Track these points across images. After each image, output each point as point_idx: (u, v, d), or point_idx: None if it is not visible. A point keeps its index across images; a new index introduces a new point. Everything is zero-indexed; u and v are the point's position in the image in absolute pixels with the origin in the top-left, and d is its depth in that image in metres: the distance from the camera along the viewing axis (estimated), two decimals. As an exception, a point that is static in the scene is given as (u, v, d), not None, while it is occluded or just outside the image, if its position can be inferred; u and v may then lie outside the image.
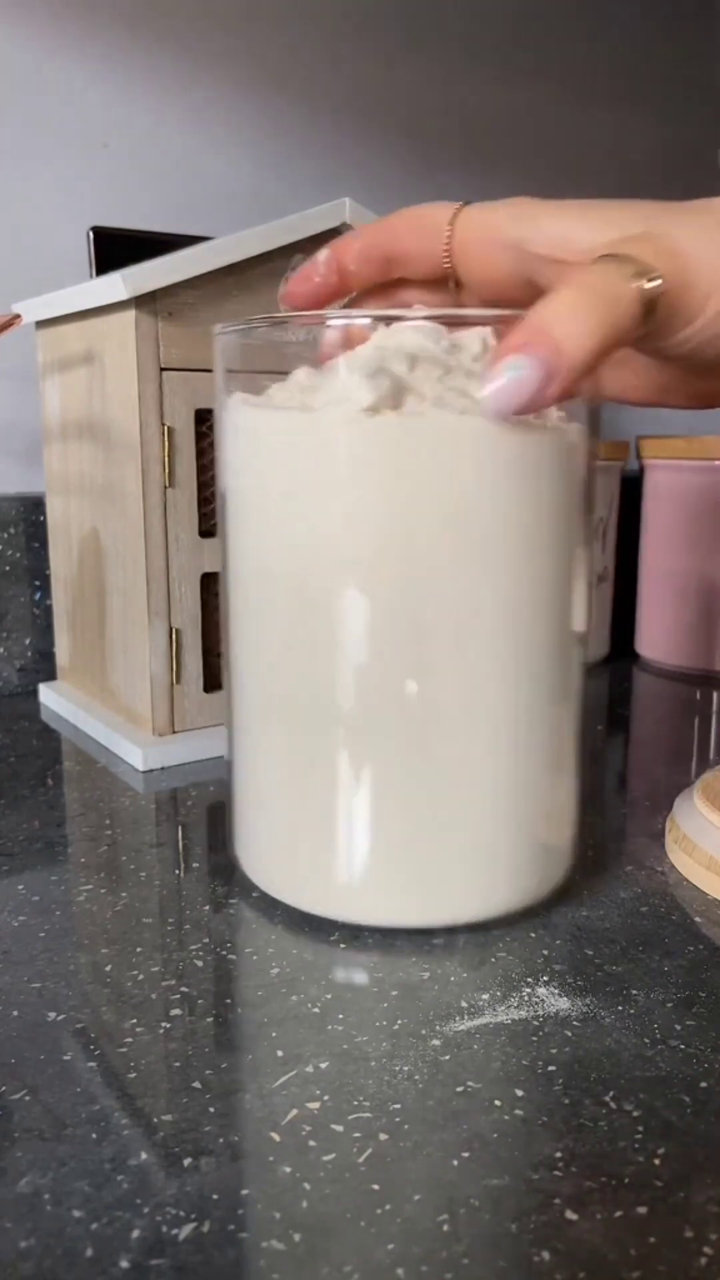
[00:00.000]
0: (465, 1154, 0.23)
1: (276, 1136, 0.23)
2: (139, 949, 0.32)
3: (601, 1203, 0.22)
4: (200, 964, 0.31)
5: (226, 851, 0.37)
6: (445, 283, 0.34)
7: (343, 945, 0.32)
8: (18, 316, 0.46)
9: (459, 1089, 0.25)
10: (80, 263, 0.57)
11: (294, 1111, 0.24)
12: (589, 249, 0.29)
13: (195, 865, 0.38)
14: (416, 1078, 0.26)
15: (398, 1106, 0.24)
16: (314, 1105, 0.24)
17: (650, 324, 0.28)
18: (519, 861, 0.33)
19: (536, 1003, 0.29)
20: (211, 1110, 0.24)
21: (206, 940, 0.32)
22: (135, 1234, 0.21)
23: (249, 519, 0.33)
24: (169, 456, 0.47)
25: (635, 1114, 0.24)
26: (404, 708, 0.30)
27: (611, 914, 0.34)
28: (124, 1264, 0.20)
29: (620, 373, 0.35)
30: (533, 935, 0.33)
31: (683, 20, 0.86)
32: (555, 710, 0.33)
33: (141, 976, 0.30)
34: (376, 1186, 0.22)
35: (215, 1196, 0.22)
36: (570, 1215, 0.21)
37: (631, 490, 0.72)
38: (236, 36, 0.66)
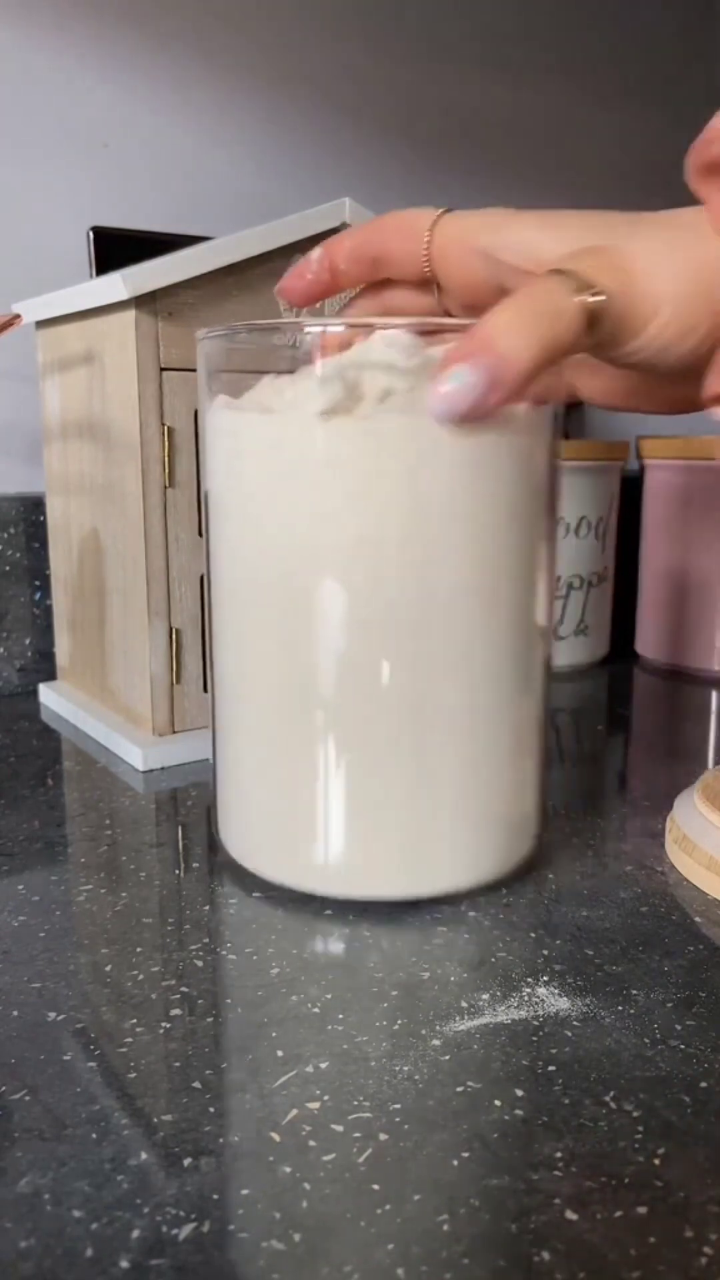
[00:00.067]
0: (465, 1154, 0.23)
1: (276, 1136, 0.23)
2: (139, 949, 0.32)
3: (601, 1203, 0.22)
4: (200, 964, 0.31)
5: (217, 842, 0.37)
6: (430, 285, 0.35)
7: (343, 945, 0.32)
8: (18, 316, 0.46)
9: (459, 1089, 0.25)
10: (80, 263, 0.57)
11: (294, 1111, 0.24)
12: (550, 259, 0.30)
13: (195, 865, 0.38)
14: (416, 1078, 0.26)
15: (398, 1106, 0.24)
16: (314, 1105, 0.24)
17: (595, 335, 0.29)
18: (484, 839, 0.35)
19: (536, 1003, 0.29)
20: (211, 1110, 0.24)
21: (206, 940, 0.32)
22: (135, 1234, 0.21)
23: (228, 518, 0.34)
24: (169, 456, 0.47)
25: (635, 1114, 0.24)
26: (374, 695, 0.32)
27: (611, 914, 0.34)
28: (124, 1264, 0.20)
29: (598, 378, 0.36)
30: (533, 935, 0.33)
31: (688, 19, 0.86)
32: (518, 700, 0.35)
33: (141, 976, 0.30)
34: (376, 1186, 0.22)
35: (215, 1196, 0.22)
36: (570, 1215, 0.21)
37: (631, 490, 0.72)
38: (237, 36, 0.66)
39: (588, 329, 0.28)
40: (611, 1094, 0.25)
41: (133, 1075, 0.26)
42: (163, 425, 0.47)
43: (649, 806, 0.44)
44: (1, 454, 0.62)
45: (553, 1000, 0.29)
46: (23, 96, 0.60)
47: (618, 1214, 0.21)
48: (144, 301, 0.45)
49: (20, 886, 0.36)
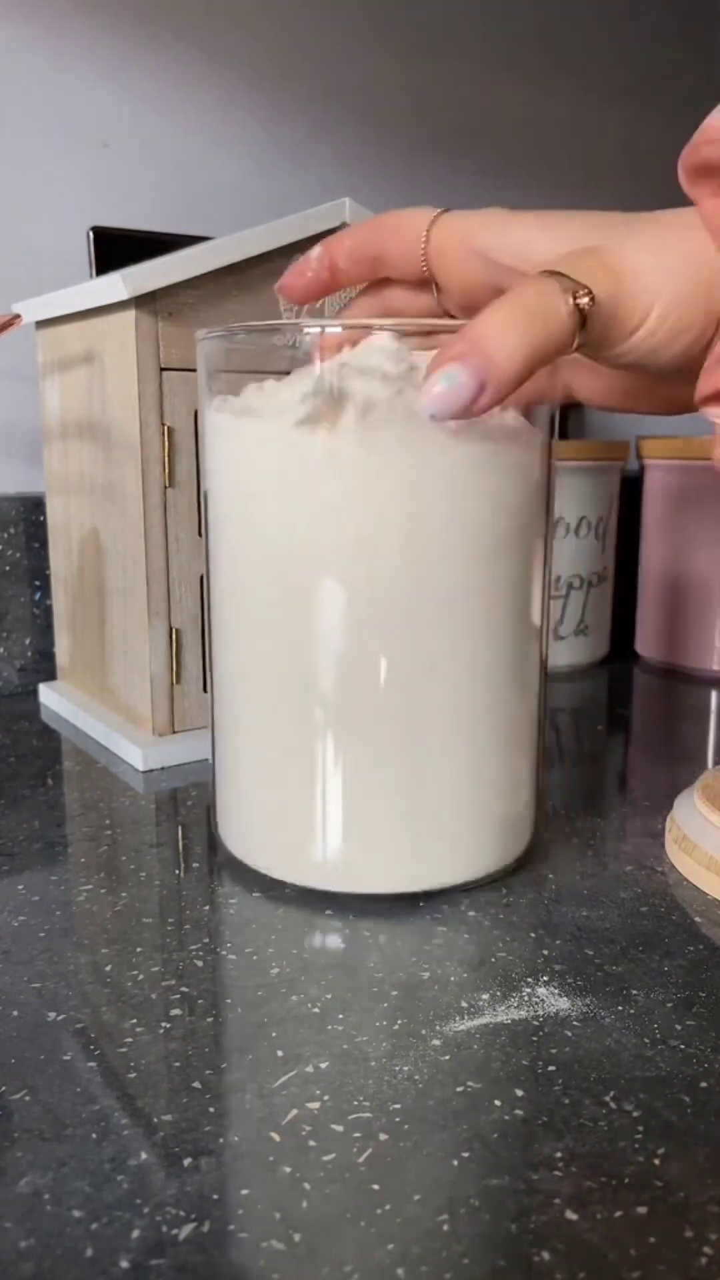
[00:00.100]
0: (465, 1154, 0.23)
1: (276, 1136, 0.23)
2: (139, 949, 0.32)
3: (601, 1203, 0.22)
4: (200, 964, 0.31)
5: (217, 841, 0.37)
6: (428, 284, 0.36)
7: (343, 945, 0.32)
8: (18, 316, 0.46)
9: (459, 1089, 0.25)
10: (80, 263, 0.57)
11: (294, 1111, 0.24)
12: (544, 260, 0.30)
13: (195, 865, 0.38)
14: (416, 1078, 0.26)
15: (398, 1106, 0.24)
16: (314, 1105, 0.24)
17: (586, 337, 0.29)
18: (478, 835, 0.35)
19: (536, 1003, 0.29)
20: (211, 1110, 0.24)
21: (206, 940, 0.32)
22: (135, 1234, 0.21)
23: (228, 518, 0.35)
24: (169, 456, 0.47)
25: (635, 1114, 0.24)
26: (373, 693, 0.32)
27: (611, 914, 0.34)
28: (124, 1264, 0.20)
29: (594, 379, 0.36)
30: (533, 935, 0.33)
31: (688, 19, 0.86)
32: (514, 699, 0.35)
33: (141, 976, 0.30)
34: (376, 1186, 0.22)
35: (215, 1196, 0.22)
36: (570, 1215, 0.21)
37: (631, 490, 0.72)
38: (238, 36, 0.66)
39: (578, 330, 0.28)
40: (611, 1094, 0.25)
41: (133, 1075, 0.26)
42: (163, 425, 0.47)
43: (649, 806, 0.44)
44: (1, 454, 0.62)
45: (553, 1000, 0.29)
46: (23, 96, 0.60)
47: (618, 1214, 0.21)
48: (144, 301, 0.45)
49: (20, 886, 0.36)
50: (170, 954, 0.31)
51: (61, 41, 0.60)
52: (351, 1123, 0.24)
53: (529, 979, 0.30)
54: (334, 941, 0.32)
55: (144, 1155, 0.23)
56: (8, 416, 0.62)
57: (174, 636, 0.49)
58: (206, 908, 0.35)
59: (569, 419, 0.81)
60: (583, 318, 0.28)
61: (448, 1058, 0.26)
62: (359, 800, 0.33)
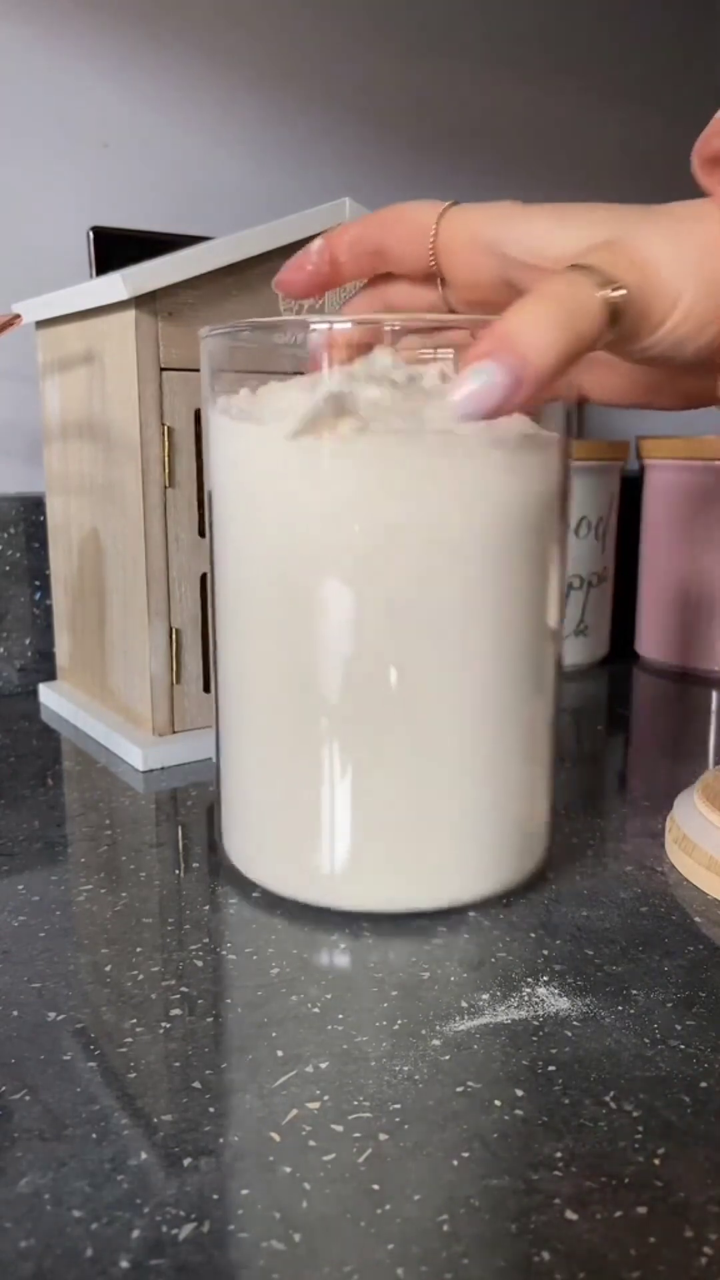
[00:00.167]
0: (465, 1154, 0.23)
1: (276, 1136, 0.23)
2: (139, 949, 0.32)
3: (601, 1203, 0.22)
4: (200, 964, 0.31)
5: (218, 844, 0.37)
6: (433, 280, 0.35)
7: (343, 945, 0.32)
8: (18, 316, 0.46)
9: (459, 1089, 0.25)
10: (80, 263, 0.57)
11: (294, 1111, 0.24)
12: (561, 254, 0.29)
13: (195, 865, 0.38)
14: (416, 1078, 0.26)
15: (398, 1106, 0.24)
16: (314, 1105, 0.24)
17: (616, 331, 0.28)
18: (495, 848, 0.34)
19: (536, 1003, 0.29)
20: (211, 1110, 0.24)
21: (206, 940, 0.32)
22: (135, 1234, 0.21)
23: (233, 518, 0.34)
24: (169, 456, 0.47)
25: (635, 1114, 0.24)
26: (383, 700, 0.32)
27: (611, 914, 0.34)
28: (124, 1264, 0.20)
29: (607, 377, 0.36)
30: (533, 935, 0.33)
31: (688, 19, 0.86)
32: (530, 703, 0.34)
33: (141, 976, 0.30)
34: (376, 1186, 0.22)
35: (215, 1196, 0.22)
36: (570, 1215, 0.21)
37: (631, 490, 0.72)
38: (238, 35, 0.66)
39: (609, 324, 0.28)
40: (611, 1094, 0.25)
41: (133, 1075, 0.26)
42: (163, 425, 0.47)
43: (649, 806, 0.44)
44: (1, 454, 0.62)
45: (553, 1000, 0.29)
46: (23, 96, 0.60)
47: (618, 1214, 0.21)
48: (144, 301, 0.45)
49: (20, 886, 0.36)
50: (170, 954, 0.31)
51: (61, 41, 0.60)
52: (351, 1123, 0.24)
53: (529, 979, 0.30)
54: (334, 941, 0.32)
55: (144, 1155, 0.23)
56: (8, 416, 0.62)
57: (174, 636, 0.49)
58: (206, 908, 0.35)
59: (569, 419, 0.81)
60: (615, 311, 0.28)
61: (448, 1058, 0.26)
62: (371, 814, 0.32)
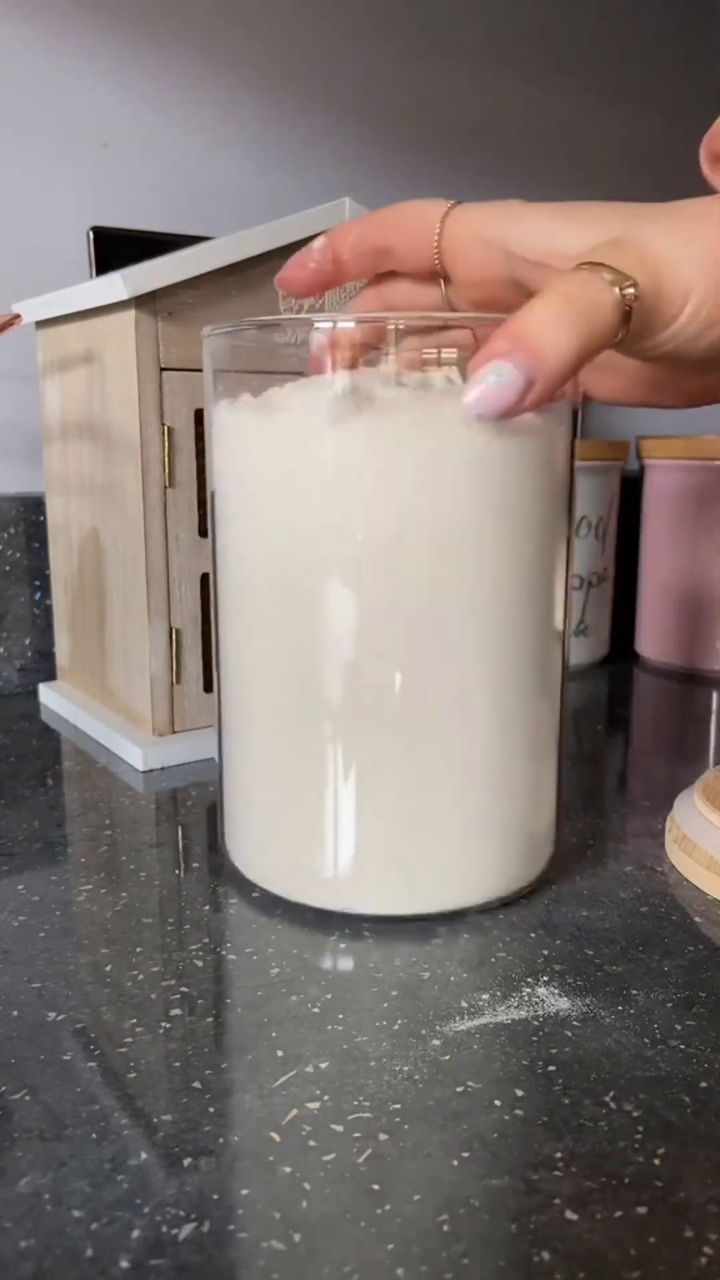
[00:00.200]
0: (465, 1154, 0.23)
1: (276, 1136, 0.23)
2: (139, 949, 0.32)
3: (601, 1203, 0.22)
4: (200, 964, 0.31)
5: (218, 843, 0.37)
6: (436, 278, 0.35)
7: (343, 945, 0.32)
8: (18, 316, 0.46)
9: (459, 1089, 0.25)
10: (80, 263, 0.58)
11: (294, 1111, 0.24)
12: (567, 253, 0.29)
13: (195, 865, 0.38)
14: (416, 1078, 0.26)
15: (398, 1106, 0.24)
16: (314, 1105, 0.24)
17: (628, 329, 0.28)
18: (501, 851, 0.34)
19: (536, 1003, 0.29)
20: (211, 1110, 0.24)
21: (206, 940, 0.32)
22: (135, 1234, 0.21)
23: (235, 518, 0.33)
24: (169, 456, 0.47)
25: (635, 1114, 0.24)
26: (386, 701, 0.31)
27: (611, 914, 0.34)
28: (124, 1264, 0.20)
29: (612, 376, 0.35)
30: (533, 935, 0.33)
31: (692, 18, 0.86)
32: (536, 704, 0.34)
33: (141, 976, 0.30)
34: (376, 1186, 0.22)
35: (215, 1196, 0.22)
36: (570, 1215, 0.21)
37: (631, 490, 0.72)
38: (238, 35, 0.66)
39: (623, 323, 0.28)
40: (611, 1094, 0.25)
41: (133, 1075, 0.26)
42: (163, 425, 0.47)
43: (649, 806, 0.44)
44: (1, 454, 0.62)
45: (553, 1000, 0.29)
46: (23, 96, 0.60)
47: (618, 1214, 0.21)
48: (144, 301, 0.45)
49: (20, 886, 0.36)
50: (170, 954, 0.31)
51: (61, 41, 0.60)
52: (351, 1123, 0.24)
53: (529, 979, 0.30)
54: (334, 941, 0.32)
55: (144, 1155, 0.23)
56: (8, 416, 0.62)
57: (174, 636, 0.49)
58: (206, 908, 0.35)
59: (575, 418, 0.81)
60: (628, 310, 0.28)
61: (448, 1058, 0.26)
62: (370, 813, 0.32)
